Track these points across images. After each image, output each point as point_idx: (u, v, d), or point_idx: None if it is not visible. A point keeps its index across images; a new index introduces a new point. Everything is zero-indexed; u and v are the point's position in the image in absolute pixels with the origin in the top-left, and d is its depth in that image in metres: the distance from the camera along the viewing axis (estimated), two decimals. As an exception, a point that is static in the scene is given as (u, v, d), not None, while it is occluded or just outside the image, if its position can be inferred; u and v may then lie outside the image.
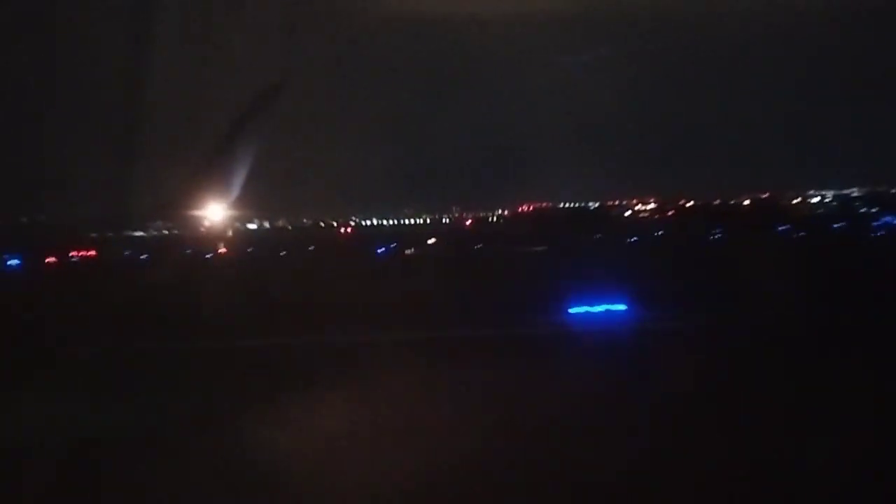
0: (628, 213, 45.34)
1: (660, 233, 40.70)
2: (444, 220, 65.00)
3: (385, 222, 67.04)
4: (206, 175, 29.25)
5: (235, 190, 27.91)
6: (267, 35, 37.84)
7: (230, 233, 37.32)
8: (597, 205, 48.60)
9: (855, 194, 47.85)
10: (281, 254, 36.91)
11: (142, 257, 35.87)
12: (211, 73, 34.10)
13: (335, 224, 58.23)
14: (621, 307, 14.68)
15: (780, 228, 39.76)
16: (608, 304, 14.68)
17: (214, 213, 31.72)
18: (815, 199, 50.25)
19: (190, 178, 30.55)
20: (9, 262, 33.40)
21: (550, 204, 51.96)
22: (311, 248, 40.19)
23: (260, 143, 27.32)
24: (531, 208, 56.69)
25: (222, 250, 36.72)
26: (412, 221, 70.37)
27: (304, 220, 61.54)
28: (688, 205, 44.31)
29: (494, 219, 63.29)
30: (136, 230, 40.42)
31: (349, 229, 53.94)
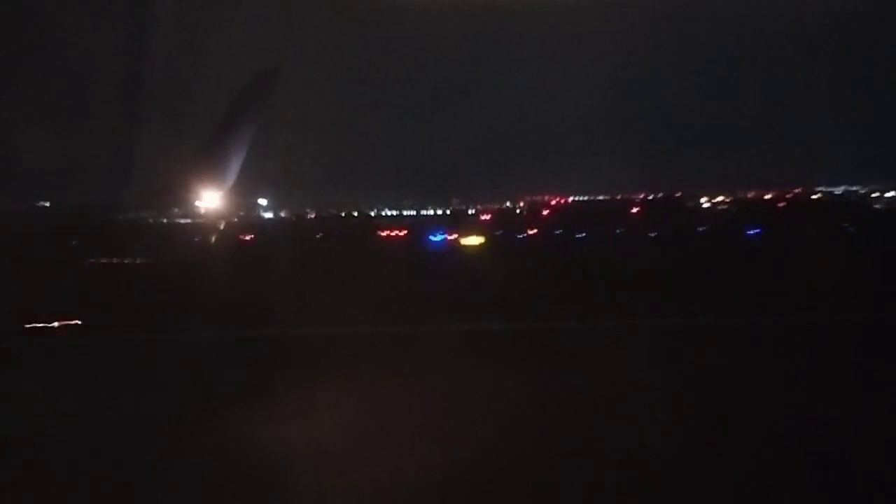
0: (706, 204, 41.94)
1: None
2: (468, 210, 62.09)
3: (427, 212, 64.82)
4: (201, 162, 26.52)
5: (231, 178, 25.07)
6: (269, 21, 37.86)
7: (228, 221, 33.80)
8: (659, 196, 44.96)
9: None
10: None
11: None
12: (210, 58, 36.16)
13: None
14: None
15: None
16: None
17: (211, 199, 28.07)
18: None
19: (184, 166, 27.90)
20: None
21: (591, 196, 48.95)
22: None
23: (255, 130, 25.46)
24: (568, 200, 53.13)
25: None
26: (434, 212, 67.46)
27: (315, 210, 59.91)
28: (766, 197, 40.37)
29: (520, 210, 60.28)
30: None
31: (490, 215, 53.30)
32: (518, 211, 65.87)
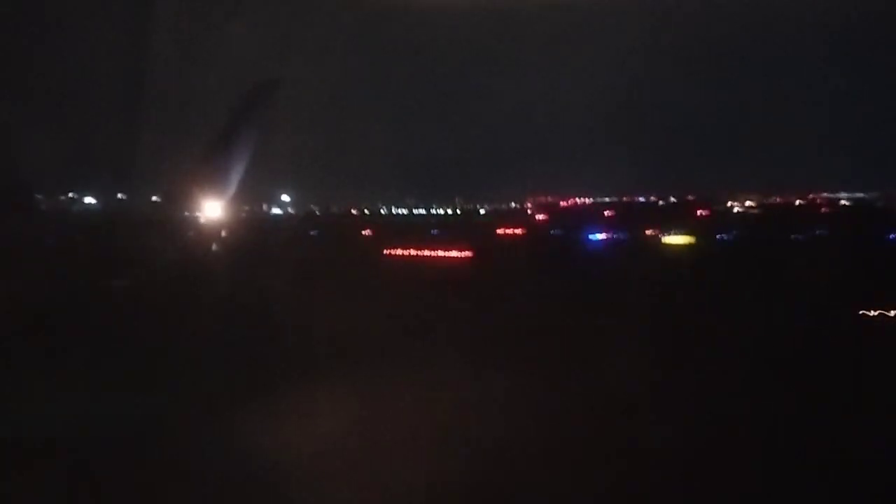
0: (736, 209, 40.34)
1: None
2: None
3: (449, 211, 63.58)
4: (204, 169, 27.57)
5: (233, 184, 26.62)
6: (269, 23, 38.14)
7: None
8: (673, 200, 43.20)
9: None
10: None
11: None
12: (210, 64, 34.48)
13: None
14: None
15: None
16: None
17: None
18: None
19: (188, 171, 29.16)
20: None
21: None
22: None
23: (257, 139, 26.41)
24: (587, 202, 51.72)
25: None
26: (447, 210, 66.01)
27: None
28: (797, 203, 38.61)
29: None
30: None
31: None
32: (530, 211, 64.21)
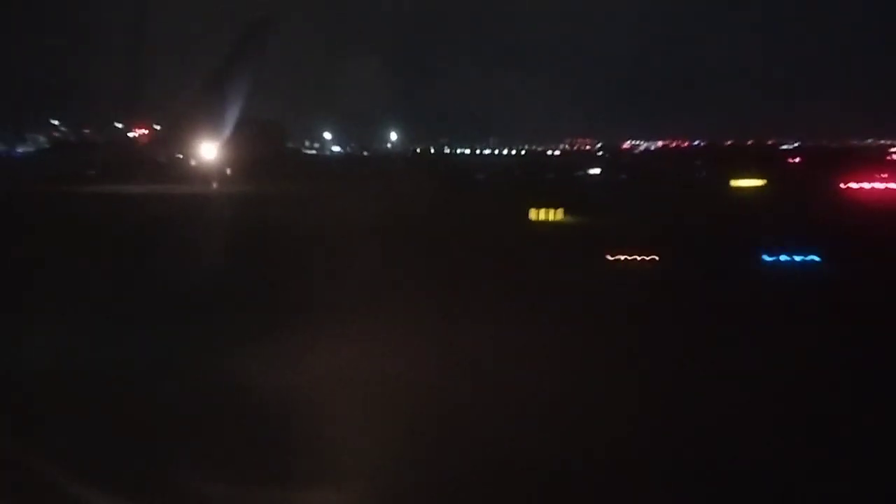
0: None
1: None
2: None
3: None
4: (199, 110, 26.99)
5: (228, 126, 25.65)
6: None
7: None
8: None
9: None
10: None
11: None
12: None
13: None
14: None
15: None
16: None
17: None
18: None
19: (183, 112, 28.24)
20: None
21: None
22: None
23: (251, 80, 26.02)
24: (686, 144, 49.94)
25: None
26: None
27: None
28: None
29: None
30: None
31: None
32: (602, 153, 61.85)
